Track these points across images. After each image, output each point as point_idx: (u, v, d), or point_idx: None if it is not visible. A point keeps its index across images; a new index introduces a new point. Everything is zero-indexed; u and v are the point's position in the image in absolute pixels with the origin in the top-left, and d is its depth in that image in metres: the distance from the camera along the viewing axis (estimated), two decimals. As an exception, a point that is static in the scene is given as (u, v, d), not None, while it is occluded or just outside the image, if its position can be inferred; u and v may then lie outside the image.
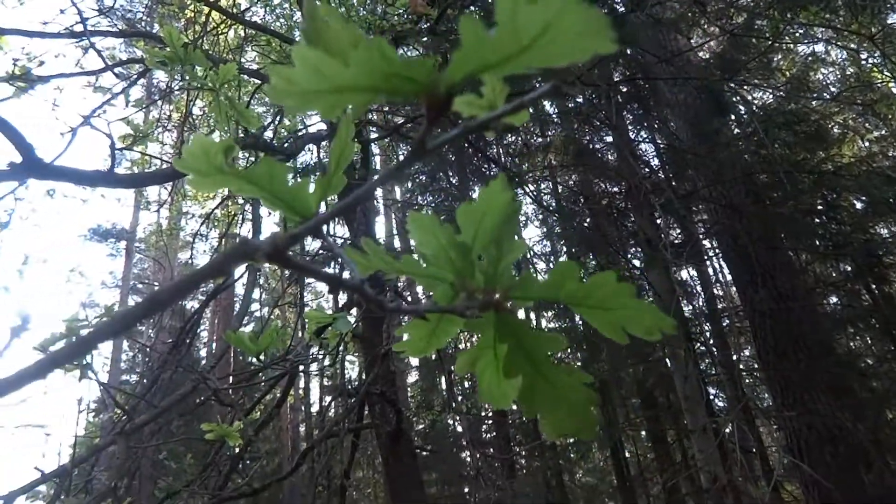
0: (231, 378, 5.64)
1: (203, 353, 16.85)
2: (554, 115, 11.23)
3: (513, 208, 0.51)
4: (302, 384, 15.53)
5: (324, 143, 6.36)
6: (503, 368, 0.51)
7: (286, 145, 4.85)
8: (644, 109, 8.57)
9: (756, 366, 9.29)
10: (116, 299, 18.56)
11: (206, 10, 7.25)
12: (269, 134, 5.94)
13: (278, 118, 6.42)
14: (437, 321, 0.57)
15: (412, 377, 14.09)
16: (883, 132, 9.81)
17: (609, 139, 9.18)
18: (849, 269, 9.68)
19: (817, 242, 8.64)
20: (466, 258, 0.52)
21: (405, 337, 0.60)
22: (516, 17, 0.31)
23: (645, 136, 9.45)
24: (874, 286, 9.34)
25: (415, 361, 14.06)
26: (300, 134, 6.33)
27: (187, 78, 2.61)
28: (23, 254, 6.51)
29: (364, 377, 5.06)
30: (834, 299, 10.14)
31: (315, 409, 15.61)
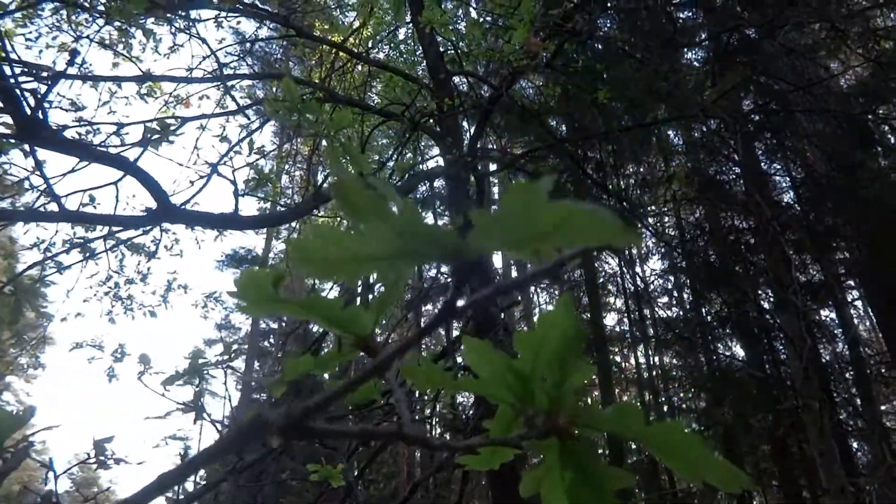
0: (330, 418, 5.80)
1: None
2: (679, 146, 10.86)
3: (577, 334, 0.49)
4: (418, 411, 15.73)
5: (438, 181, 6.49)
6: (569, 497, 0.50)
7: (399, 183, 5.00)
8: (777, 140, 8.10)
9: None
10: (248, 322, 19.77)
11: (335, 50, 7.66)
12: (389, 164, 6.15)
13: (399, 151, 6.64)
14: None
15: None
16: None
17: (738, 171, 8.73)
18: None
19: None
20: (524, 385, 0.51)
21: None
22: (530, 211, 0.32)
23: (778, 167, 8.91)
24: None
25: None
26: (415, 172, 6.50)
27: (304, 126, 2.77)
28: (166, 280, 7.09)
29: (474, 412, 5.06)
30: None
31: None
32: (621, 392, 11.61)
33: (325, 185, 4.90)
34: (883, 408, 9.30)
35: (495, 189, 12.59)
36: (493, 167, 9.09)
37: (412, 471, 14.74)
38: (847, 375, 8.88)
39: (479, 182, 6.60)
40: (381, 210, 0.35)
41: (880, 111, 6.55)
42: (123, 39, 6.42)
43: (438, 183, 6.56)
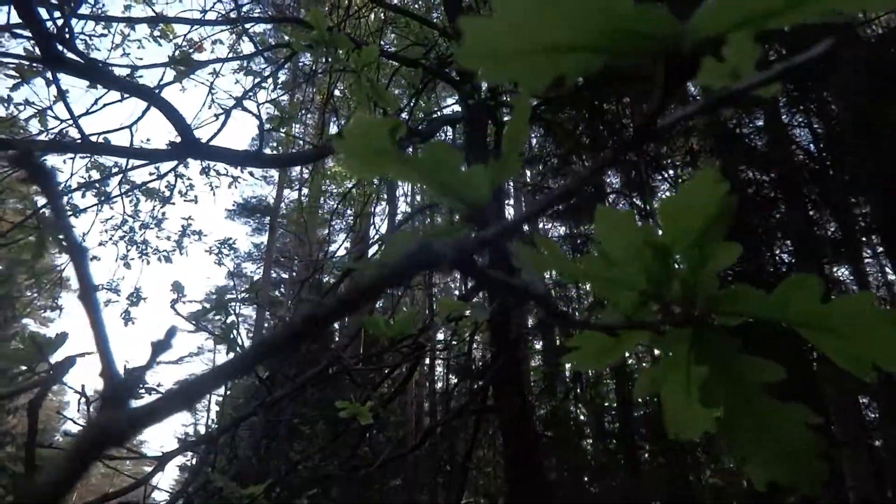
0: (361, 356, 5.84)
1: (336, 325, 17.65)
2: (695, 95, 10.62)
3: (728, 205, 0.44)
4: (427, 362, 15.91)
5: (459, 126, 6.38)
6: (702, 396, 0.45)
7: (420, 128, 4.90)
8: (800, 90, 7.90)
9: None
10: (261, 270, 19.88)
11: (350, -7, 7.47)
12: (404, 116, 6.03)
13: (414, 100, 6.51)
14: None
15: (535, 361, 14.01)
16: None
17: (759, 122, 8.55)
18: None
19: None
20: (665, 263, 0.45)
21: (576, 347, 0.55)
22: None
23: (801, 119, 8.71)
24: None
25: (538, 345, 13.96)
26: (435, 116, 6.37)
27: (331, 60, 2.68)
28: (180, 226, 7.06)
29: (491, 362, 5.07)
30: None
31: (439, 385, 15.94)
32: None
33: (342, 129, 4.78)
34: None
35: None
36: (507, 117, 8.92)
37: (420, 420, 14.97)
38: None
39: (498, 129, 6.49)
40: None
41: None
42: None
43: (461, 126, 6.44)
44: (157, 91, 2.10)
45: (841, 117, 7.42)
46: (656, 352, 0.52)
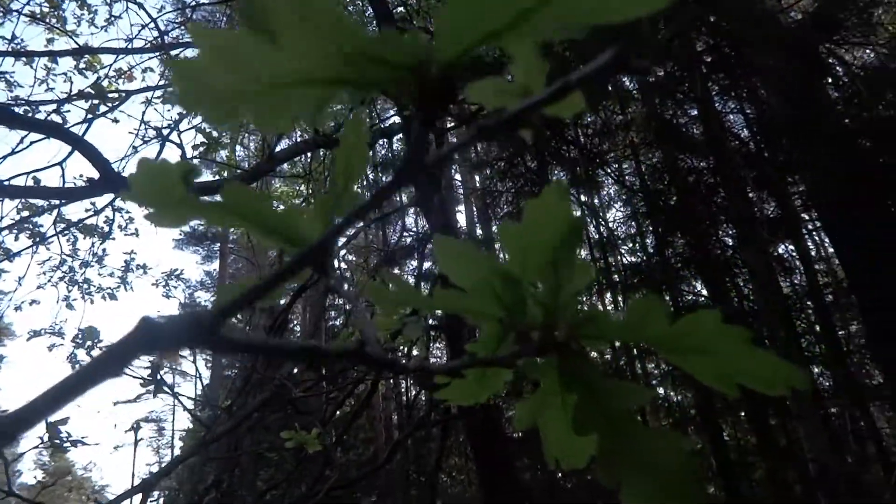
0: (312, 380, 5.75)
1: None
2: (634, 91, 10.84)
3: (574, 224, 0.42)
4: (391, 376, 15.82)
5: (397, 137, 6.37)
6: (574, 424, 0.44)
7: (334, 136, 4.87)
8: (731, 79, 8.13)
9: (863, 343, 8.70)
10: (214, 298, 19.50)
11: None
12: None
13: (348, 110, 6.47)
14: (485, 368, 0.50)
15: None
16: None
17: (694, 113, 8.76)
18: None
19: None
20: (515, 290, 0.44)
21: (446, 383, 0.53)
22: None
23: (733, 107, 8.97)
24: None
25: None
26: (374, 128, 6.36)
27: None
28: (123, 262, 6.83)
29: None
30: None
31: (406, 398, 15.85)
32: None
33: (279, 148, 4.76)
34: (840, 333, 9.60)
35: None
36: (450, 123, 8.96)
37: (391, 434, 14.85)
38: (808, 304, 9.14)
39: (438, 138, 6.50)
40: (309, 14, 0.24)
41: (829, 43, 6.59)
42: (56, 11, 6.08)
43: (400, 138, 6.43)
44: (69, 130, 2.02)
45: (770, 101, 7.66)
46: None
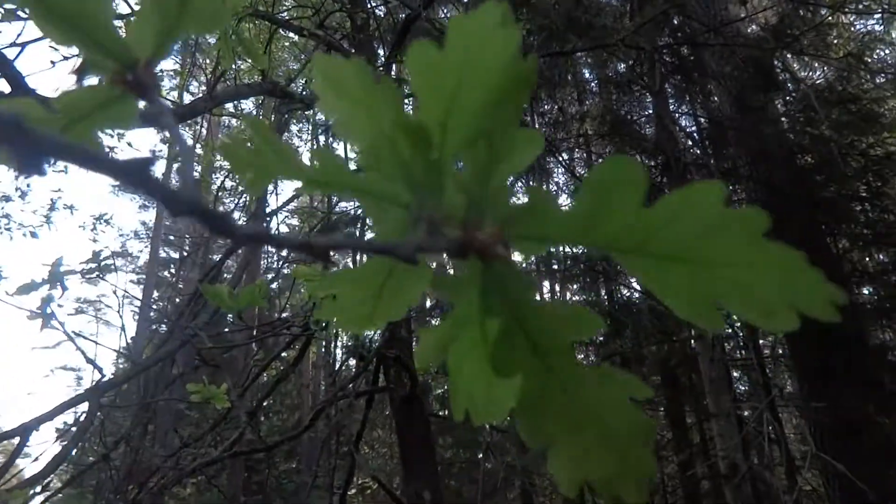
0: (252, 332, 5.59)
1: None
2: (593, 83, 10.87)
3: (524, 67, 0.31)
4: (323, 342, 15.64)
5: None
6: (493, 359, 0.34)
7: (304, 93, 4.70)
8: (687, 80, 8.22)
9: (781, 352, 9.04)
10: (147, 251, 18.86)
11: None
12: (293, 86, 5.78)
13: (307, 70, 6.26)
14: (385, 276, 0.40)
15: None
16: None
17: (648, 111, 8.85)
18: (887, 259, 9.32)
19: (858, 230, 8.32)
20: (427, 158, 0.32)
21: (333, 299, 0.42)
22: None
23: (686, 109, 9.09)
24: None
25: (437, 322, 13.95)
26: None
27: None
28: (49, 199, 6.41)
29: (381, 339, 4.99)
30: (867, 290, 9.81)
31: (337, 367, 15.70)
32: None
33: (220, 84, 4.52)
34: (762, 341, 9.95)
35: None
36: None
37: (316, 402, 14.69)
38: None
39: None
40: None
41: (787, 52, 6.73)
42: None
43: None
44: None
45: (721, 108, 7.79)
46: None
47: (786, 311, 0.28)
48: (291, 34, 6.39)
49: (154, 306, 17.43)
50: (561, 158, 8.24)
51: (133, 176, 0.26)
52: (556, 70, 8.74)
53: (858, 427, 6.28)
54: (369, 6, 6.44)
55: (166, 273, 20.02)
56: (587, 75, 10.85)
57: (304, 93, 4.75)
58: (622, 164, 0.29)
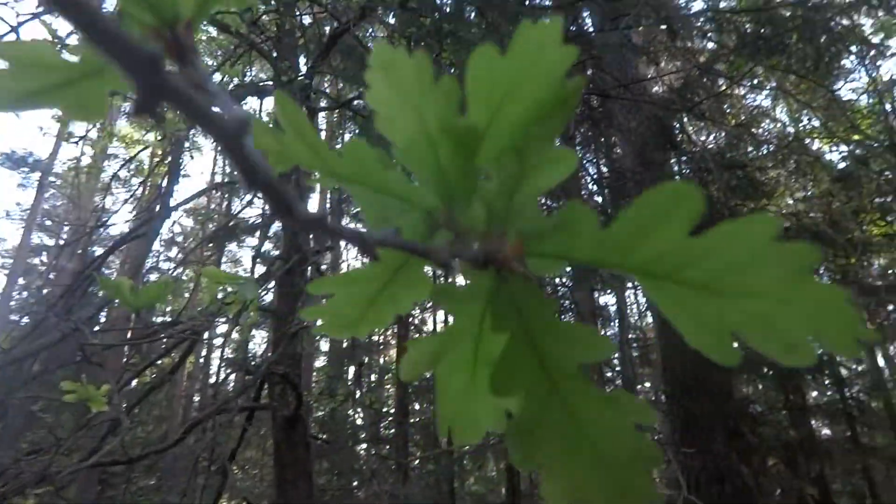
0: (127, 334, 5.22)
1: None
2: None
3: (572, 86, 0.29)
4: (203, 353, 14.94)
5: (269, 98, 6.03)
6: (495, 378, 0.30)
7: (231, 91, 4.51)
8: (595, 130, 8.58)
9: (654, 398, 9.50)
10: (19, 235, 17.44)
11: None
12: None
13: (228, 62, 6.05)
14: (384, 282, 0.36)
15: (320, 361, 13.72)
16: (810, 192, 10.17)
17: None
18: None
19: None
20: (468, 165, 0.30)
21: (323, 302, 0.38)
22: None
23: (591, 157, 9.47)
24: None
25: (325, 345, 13.68)
26: (246, 83, 5.96)
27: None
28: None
29: (269, 355, 4.77)
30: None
31: (214, 380, 14.99)
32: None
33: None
34: (647, 384, 10.44)
35: (322, 134, 12.04)
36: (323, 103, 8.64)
37: (188, 416, 13.95)
38: (616, 354, 9.81)
39: (309, 114, 6.23)
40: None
41: (689, 113, 7.17)
42: None
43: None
44: None
45: (623, 159, 8.18)
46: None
47: (806, 346, 0.27)
48: (211, 29, 6.16)
49: (17, 295, 16.09)
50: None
51: (229, 139, 0.24)
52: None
53: (723, 474, 6.65)
54: (297, 13, 6.32)
55: (38, 260, 18.57)
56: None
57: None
58: (682, 189, 0.26)
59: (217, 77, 6.23)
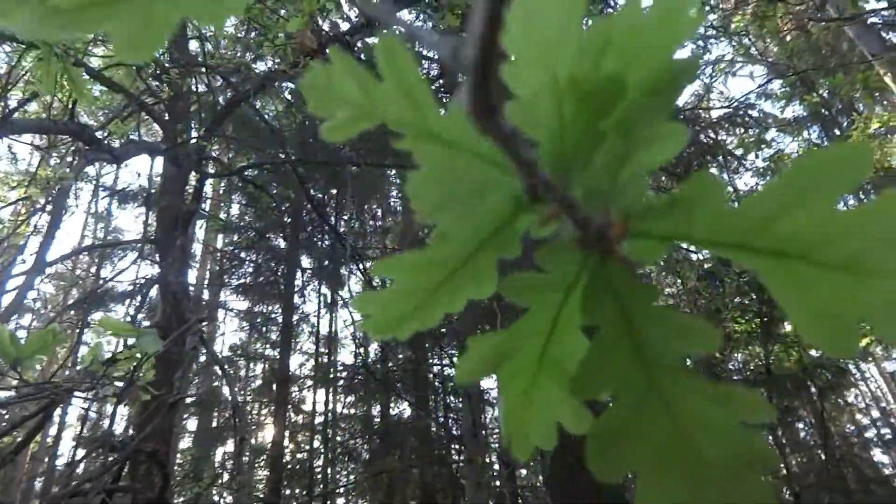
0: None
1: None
2: (397, 204, 11.35)
3: (691, 60, 0.28)
4: (53, 430, 13.47)
5: (157, 157, 5.79)
6: (580, 377, 0.28)
7: (119, 145, 4.29)
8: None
9: (533, 483, 9.53)
10: None
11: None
12: (99, 134, 5.26)
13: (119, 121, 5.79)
14: (452, 270, 0.33)
15: (185, 442, 12.71)
16: (678, 290, 10.88)
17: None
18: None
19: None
20: (593, 127, 0.28)
21: (375, 295, 0.35)
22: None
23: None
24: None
25: (192, 425, 12.71)
26: (133, 140, 5.71)
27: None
28: None
29: (135, 430, 4.35)
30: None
31: (62, 461, 13.45)
32: (293, 432, 11.27)
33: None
34: (524, 472, 10.43)
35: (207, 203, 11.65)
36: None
37: (31, 486, 12.39)
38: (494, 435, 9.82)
39: (199, 180, 6.04)
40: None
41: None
42: None
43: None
44: None
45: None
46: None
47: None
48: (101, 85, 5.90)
49: None
50: (363, 266, 8.28)
51: None
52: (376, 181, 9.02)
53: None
54: (192, 79, 6.20)
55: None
56: (394, 193, 11.32)
57: (110, 145, 4.32)
58: (855, 151, 0.25)
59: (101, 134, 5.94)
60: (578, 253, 0.29)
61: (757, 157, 8.51)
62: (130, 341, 1.60)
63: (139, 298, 8.08)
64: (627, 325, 0.29)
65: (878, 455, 13.69)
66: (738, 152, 8.31)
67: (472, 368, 0.32)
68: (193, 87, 6.22)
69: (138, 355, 1.61)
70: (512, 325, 0.31)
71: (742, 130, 8.96)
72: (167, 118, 6.23)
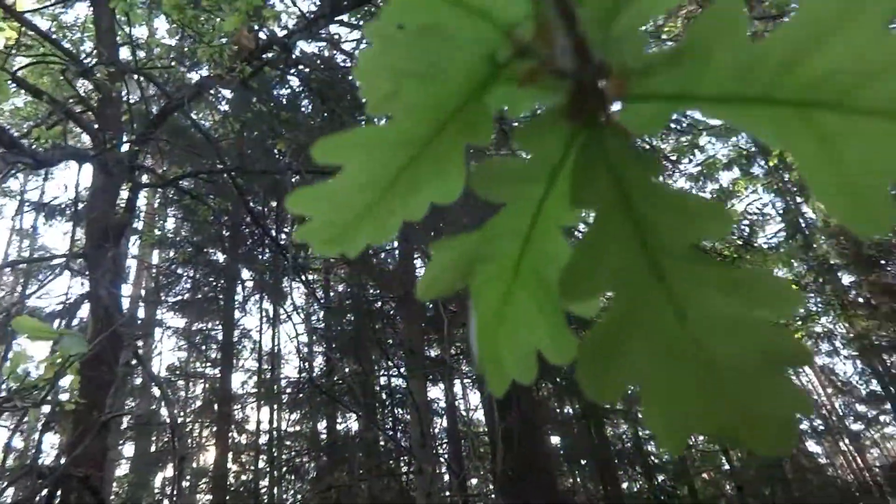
0: None
1: None
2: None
3: None
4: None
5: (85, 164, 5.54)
6: (572, 271, 0.23)
7: (43, 150, 4.06)
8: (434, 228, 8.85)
9: (483, 491, 9.51)
10: None
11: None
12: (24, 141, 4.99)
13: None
14: (411, 156, 0.27)
15: (122, 469, 12.16)
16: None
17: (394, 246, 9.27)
18: (577, 408, 10.54)
19: (556, 379, 9.34)
20: None
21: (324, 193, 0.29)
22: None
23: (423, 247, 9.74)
24: (593, 429, 10.24)
25: (129, 450, 12.19)
26: (59, 144, 5.44)
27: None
28: None
29: (67, 452, 4.11)
30: (556, 438, 10.99)
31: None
32: (237, 453, 10.91)
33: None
34: (474, 481, 10.38)
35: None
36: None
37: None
38: (445, 447, 9.76)
39: (131, 190, 5.80)
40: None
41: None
42: None
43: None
44: None
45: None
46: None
47: None
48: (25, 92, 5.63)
49: None
50: (305, 279, 8.12)
51: None
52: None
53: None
54: (123, 85, 5.96)
55: None
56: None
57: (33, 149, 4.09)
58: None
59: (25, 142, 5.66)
60: (565, 127, 0.24)
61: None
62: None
63: (68, 318, 7.71)
64: (626, 206, 0.24)
65: (811, 445, 14.31)
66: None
67: (437, 277, 0.26)
68: (124, 95, 6.00)
69: (59, 360, 1.48)
70: (484, 225, 0.26)
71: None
72: (96, 127, 5.97)
